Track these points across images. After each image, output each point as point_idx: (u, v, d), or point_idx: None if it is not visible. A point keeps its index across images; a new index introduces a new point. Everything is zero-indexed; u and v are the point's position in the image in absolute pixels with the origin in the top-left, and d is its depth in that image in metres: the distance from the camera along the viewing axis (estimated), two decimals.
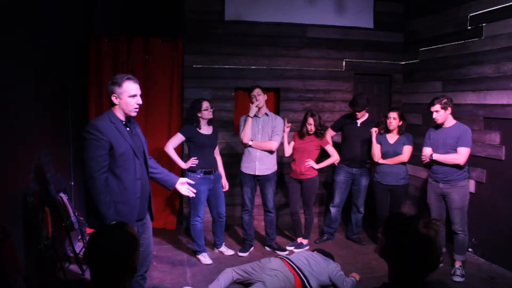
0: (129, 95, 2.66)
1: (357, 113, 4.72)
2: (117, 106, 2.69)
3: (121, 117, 2.72)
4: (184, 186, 3.06)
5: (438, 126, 4.07)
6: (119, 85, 2.65)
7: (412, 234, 1.52)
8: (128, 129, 2.75)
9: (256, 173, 4.44)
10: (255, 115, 4.42)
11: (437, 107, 3.94)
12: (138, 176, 2.75)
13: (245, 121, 4.40)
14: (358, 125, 4.79)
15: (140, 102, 2.72)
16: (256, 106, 4.35)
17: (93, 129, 2.59)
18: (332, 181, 5.13)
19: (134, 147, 2.73)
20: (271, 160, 4.50)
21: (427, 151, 4.12)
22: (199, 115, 4.23)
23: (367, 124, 4.75)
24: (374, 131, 4.53)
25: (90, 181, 2.61)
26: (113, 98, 2.67)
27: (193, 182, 3.18)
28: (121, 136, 2.66)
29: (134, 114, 2.73)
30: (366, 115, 4.83)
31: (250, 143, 4.40)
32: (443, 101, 3.91)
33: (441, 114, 3.94)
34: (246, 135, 4.38)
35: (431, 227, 1.52)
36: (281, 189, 5.52)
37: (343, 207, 5.06)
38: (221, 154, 4.59)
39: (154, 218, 3.07)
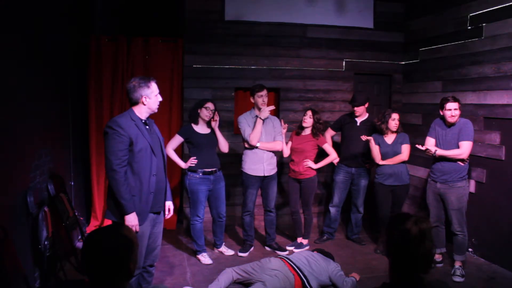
0: (155, 94, 2.91)
1: (355, 108, 4.71)
2: (140, 106, 2.89)
3: (142, 116, 2.91)
4: (171, 207, 3.22)
5: (449, 124, 4.00)
6: (148, 86, 2.87)
7: (402, 230, 1.58)
8: (147, 127, 2.94)
9: (265, 174, 4.44)
10: (256, 116, 4.39)
11: (456, 104, 3.88)
12: (153, 172, 2.90)
13: (255, 122, 4.34)
14: (358, 124, 4.79)
15: (161, 99, 2.97)
16: (269, 110, 4.32)
17: (115, 125, 2.76)
18: (331, 181, 5.13)
19: (152, 144, 2.89)
20: (275, 159, 4.53)
21: (430, 141, 4.10)
22: (198, 111, 4.23)
23: (367, 124, 4.75)
24: (369, 139, 4.47)
25: (111, 174, 2.75)
26: (143, 99, 2.87)
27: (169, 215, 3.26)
28: (140, 133, 2.84)
29: (157, 110, 2.97)
30: (366, 115, 4.83)
31: (258, 144, 4.39)
32: (459, 101, 3.91)
33: (458, 114, 3.91)
34: (256, 137, 4.34)
35: (420, 224, 1.57)
36: (280, 189, 5.52)
37: (343, 207, 5.06)
38: (221, 154, 4.55)
39: None
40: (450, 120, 3.94)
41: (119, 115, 2.96)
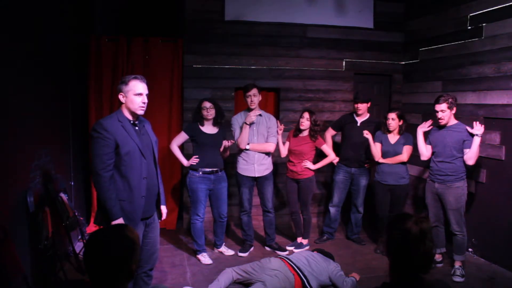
0: (134, 93, 2.73)
1: (357, 105, 4.69)
2: (124, 105, 2.77)
3: (129, 116, 2.78)
4: (163, 211, 3.10)
5: (441, 126, 4.05)
6: (126, 83, 2.74)
7: (402, 230, 1.58)
8: (136, 128, 2.81)
9: (256, 175, 4.44)
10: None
11: (443, 106, 3.88)
12: (144, 175, 2.79)
13: (242, 126, 4.37)
14: (358, 124, 4.79)
15: (145, 101, 2.79)
16: (254, 115, 4.31)
17: (100, 128, 2.65)
18: (331, 181, 5.12)
19: (141, 146, 2.77)
20: (268, 160, 4.51)
21: (428, 147, 4.15)
22: (200, 114, 4.27)
23: (367, 124, 4.75)
24: (368, 134, 4.49)
25: (95, 178, 2.68)
26: (120, 97, 2.76)
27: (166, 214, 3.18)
28: (127, 135, 2.72)
29: (140, 112, 2.78)
30: (367, 115, 4.83)
31: (248, 147, 4.39)
32: (449, 100, 3.87)
33: (447, 114, 3.91)
34: (243, 141, 4.36)
35: (420, 224, 1.58)
36: (278, 190, 5.52)
37: (343, 207, 5.06)
38: (227, 155, 4.54)
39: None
40: (439, 122, 3.97)
41: (106, 116, 2.84)
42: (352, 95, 5.58)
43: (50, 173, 3.81)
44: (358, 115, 4.79)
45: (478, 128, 3.81)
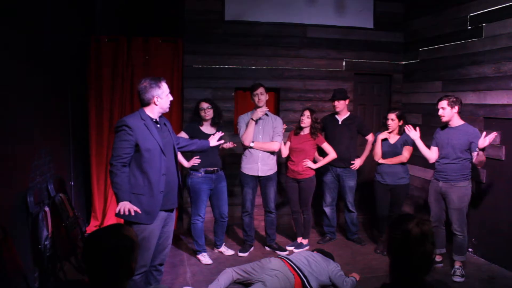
0: (166, 94, 2.99)
1: (334, 103, 4.71)
2: (152, 106, 2.97)
3: (153, 115, 2.99)
4: (214, 140, 3.64)
5: (444, 126, 4.05)
6: (159, 86, 2.96)
7: (403, 230, 1.58)
8: (158, 126, 3.00)
9: (259, 174, 4.44)
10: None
11: (443, 103, 3.92)
12: (163, 172, 2.94)
13: (247, 123, 4.38)
14: (340, 122, 4.80)
15: (172, 98, 3.07)
16: (262, 112, 4.33)
17: (124, 124, 2.86)
18: (320, 182, 5.05)
19: (162, 144, 2.94)
20: (273, 160, 4.50)
21: (433, 150, 4.14)
22: (198, 114, 4.30)
23: (348, 122, 4.77)
24: (383, 135, 4.53)
25: (110, 167, 2.86)
26: (155, 100, 2.95)
27: (221, 134, 3.73)
28: (149, 133, 2.90)
29: (168, 109, 3.07)
30: (348, 113, 4.84)
31: (252, 144, 4.39)
32: (451, 99, 3.91)
33: (447, 112, 3.93)
34: (248, 137, 4.37)
35: (421, 226, 1.58)
36: (279, 189, 5.51)
37: (338, 207, 5.05)
38: (221, 154, 4.57)
39: None
40: (441, 119, 3.99)
41: (129, 114, 3.05)
42: (352, 95, 5.59)
43: (50, 173, 3.81)
44: (337, 113, 4.80)
45: (483, 143, 3.64)
